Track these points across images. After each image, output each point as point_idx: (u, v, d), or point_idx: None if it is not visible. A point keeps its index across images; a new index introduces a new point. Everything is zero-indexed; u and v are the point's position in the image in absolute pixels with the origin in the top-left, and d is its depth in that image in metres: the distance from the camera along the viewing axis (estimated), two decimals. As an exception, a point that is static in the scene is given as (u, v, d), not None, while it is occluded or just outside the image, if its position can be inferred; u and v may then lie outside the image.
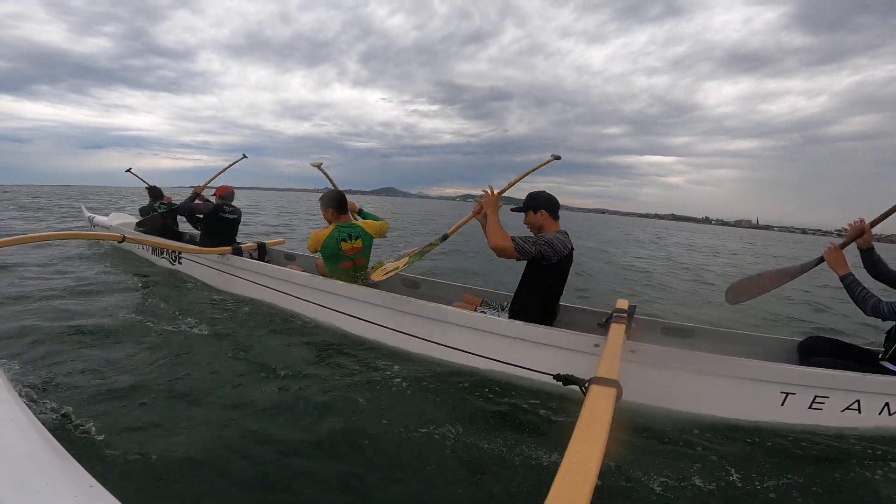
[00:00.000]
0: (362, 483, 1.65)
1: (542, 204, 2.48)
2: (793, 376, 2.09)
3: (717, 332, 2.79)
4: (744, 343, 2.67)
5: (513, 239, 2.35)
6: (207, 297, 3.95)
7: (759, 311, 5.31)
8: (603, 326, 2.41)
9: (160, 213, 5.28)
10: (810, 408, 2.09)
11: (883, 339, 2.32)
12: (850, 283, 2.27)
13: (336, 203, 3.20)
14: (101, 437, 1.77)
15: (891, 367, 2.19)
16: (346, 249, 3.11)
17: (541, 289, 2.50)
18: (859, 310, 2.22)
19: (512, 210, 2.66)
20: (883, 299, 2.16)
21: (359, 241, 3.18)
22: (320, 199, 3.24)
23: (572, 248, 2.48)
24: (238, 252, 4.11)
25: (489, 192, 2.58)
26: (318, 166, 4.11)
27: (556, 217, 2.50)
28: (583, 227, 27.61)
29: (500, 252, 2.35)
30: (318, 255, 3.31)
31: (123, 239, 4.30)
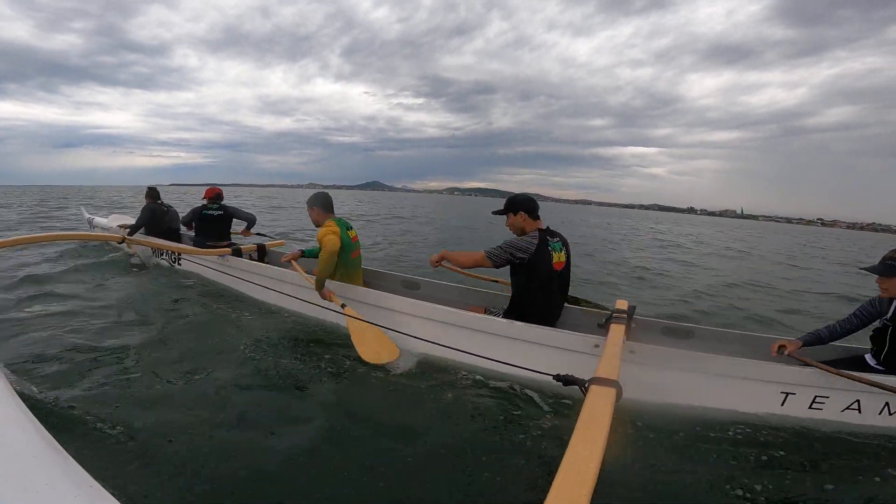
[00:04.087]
0: (360, 482, 1.65)
1: (520, 206, 2.62)
2: (793, 376, 2.09)
3: (716, 332, 2.79)
4: (744, 343, 2.67)
5: (485, 252, 2.55)
6: (207, 299, 3.95)
7: (759, 311, 5.32)
8: (603, 327, 2.41)
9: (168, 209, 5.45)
10: (810, 408, 2.09)
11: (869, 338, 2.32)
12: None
13: (324, 202, 3.30)
14: (101, 437, 1.78)
15: (872, 363, 2.21)
16: (353, 238, 3.26)
17: (527, 289, 2.55)
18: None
19: (493, 213, 2.84)
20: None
21: (353, 230, 3.32)
22: (308, 200, 3.36)
23: (543, 238, 2.51)
24: (238, 253, 4.11)
25: (434, 258, 2.83)
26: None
27: (535, 217, 2.62)
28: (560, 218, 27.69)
29: (478, 265, 2.61)
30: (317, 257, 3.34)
31: (123, 240, 4.31)
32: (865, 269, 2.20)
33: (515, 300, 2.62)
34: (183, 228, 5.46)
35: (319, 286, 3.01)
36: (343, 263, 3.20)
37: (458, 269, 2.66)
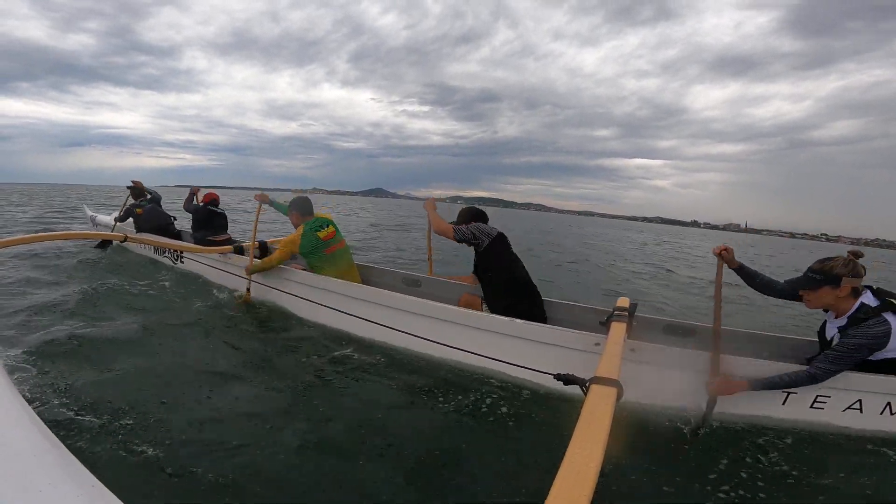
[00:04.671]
0: (360, 483, 1.65)
1: (472, 218, 3.00)
2: None
3: None
4: (745, 342, 2.66)
5: (453, 226, 2.84)
6: (208, 296, 3.96)
7: (760, 313, 5.30)
8: (604, 325, 2.41)
9: (142, 208, 5.45)
10: (812, 407, 2.08)
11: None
12: (769, 384, 1.96)
13: (301, 206, 3.58)
14: (102, 437, 1.78)
15: None
16: (324, 237, 3.39)
17: (496, 275, 2.78)
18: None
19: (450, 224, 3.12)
20: (810, 367, 1.96)
21: (331, 227, 3.48)
22: (289, 204, 3.63)
23: (501, 232, 2.86)
24: (239, 251, 4.12)
25: (430, 200, 3.22)
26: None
27: (485, 223, 2.95)
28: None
29: (442, 233, 2.83)
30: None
31: (126, 238, 4.32)
32: (789, 280, 2.16)
33: (493, 288, 2.79)
34: (183, 227, 5.49)
35: (255, 268, 3.51)
36: (315, 265, 3.36)
37: (433, 225, 2.96)
